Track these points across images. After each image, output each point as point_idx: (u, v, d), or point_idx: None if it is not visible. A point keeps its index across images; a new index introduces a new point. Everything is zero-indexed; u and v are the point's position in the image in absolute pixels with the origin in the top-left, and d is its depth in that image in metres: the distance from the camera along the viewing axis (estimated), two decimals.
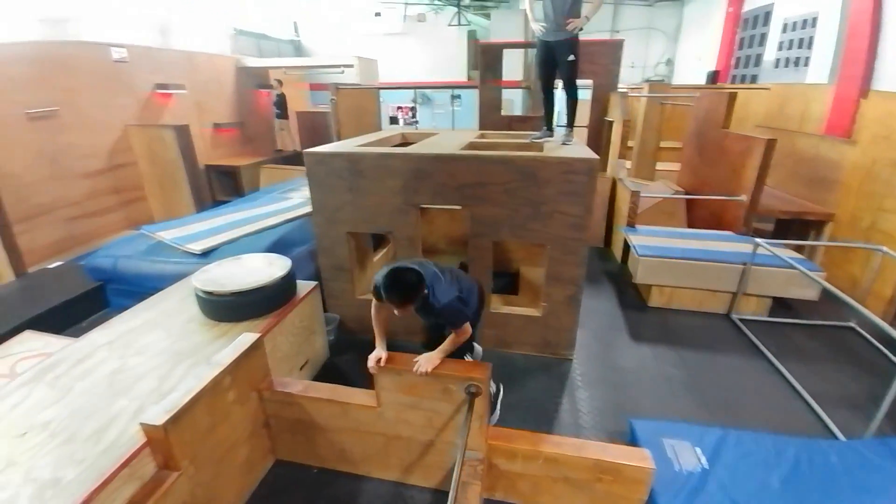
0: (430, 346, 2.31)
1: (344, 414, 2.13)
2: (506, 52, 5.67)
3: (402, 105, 12.08)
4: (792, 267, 3.21)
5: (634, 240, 4.08)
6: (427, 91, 11.93)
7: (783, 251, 3.54)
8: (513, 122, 5.60)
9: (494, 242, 3.04)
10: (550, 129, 3.56)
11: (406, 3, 12.11)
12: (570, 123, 3.41)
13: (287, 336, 2.59)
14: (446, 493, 2.07)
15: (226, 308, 2.45)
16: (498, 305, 3.24)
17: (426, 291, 1.92)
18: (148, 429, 1.62)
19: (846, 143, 4.41)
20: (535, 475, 2.02)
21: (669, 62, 12.19)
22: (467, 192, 2.87)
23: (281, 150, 8.50)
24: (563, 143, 3.30)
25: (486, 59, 5.61)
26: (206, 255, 3.45)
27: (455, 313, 2.01)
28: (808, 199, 4.85)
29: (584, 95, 4.23)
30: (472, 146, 3.39)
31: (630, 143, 5.79)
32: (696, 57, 10.74)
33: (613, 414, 2.68)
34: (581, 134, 4.94)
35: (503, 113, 5.85)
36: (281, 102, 8.36)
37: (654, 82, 7.25)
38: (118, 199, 5.79)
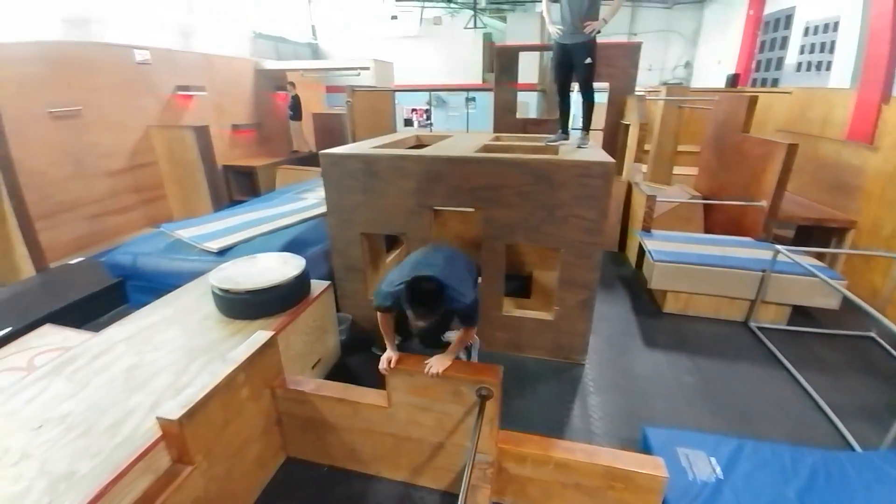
0: (428, 340, 2.35)
1: (355, 413, 2.13)
2: (521, 54, 5.66)
3: (417, 107, 12.14)
4: (813, 275, 3.13)
5: (650, 245, 4.02)
6: (442, 93, 11.98)
7: (804, 258, 3.46)
8: (528, 125, 5.58)
9: (507, 245, 3.03)
10: (566, 131, 3.54)
11: (423, 7, 12.19)
12: (587, 126, 3.39)
13: (300, 335, 2.61)
14: (455, 496, 2.07)
15: (241, 306, 2.48)
16: (510, 308, 3.23)
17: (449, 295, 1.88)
18: (163, 423, 1.65)
19: (868, 149, 4.29)
20: (545, 480, 2.00)
21: (688, 65, 12.02)
22: (481, 194, 2.86)
23: (297, 151, 8.61)
24: (579, 147, 3.28)
25: (501, 61, 5.60)
26: (223, 253, 3.51)
27: (474, 311, 2.00)
28: (829, 206, 4.73)
29: (601, 98, 4.19)
30: (486, 149, 3.39)
31: (646, 147, 5.71)
32: (715, 60, 10.58)
33: (626, 421, 2.64)
34: (596, 137, 4.90)
35: (518, 116, 5.83)
36: (295, 104, 8.48)
37: (672, 85, 7.16)
38: (139, 197, 5.93)
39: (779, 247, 3.42)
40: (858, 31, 5.37)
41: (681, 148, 6.28)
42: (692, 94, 6.67)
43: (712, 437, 2.31)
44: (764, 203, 4.18)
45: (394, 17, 12.63)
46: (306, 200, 4.89)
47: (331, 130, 8.42)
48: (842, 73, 6.00)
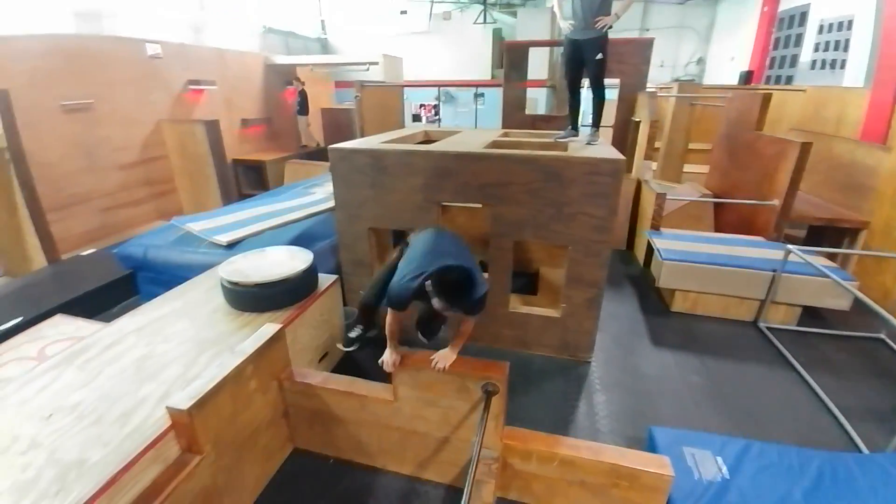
0: (425, 328, 2.42)
1: (361, 407, 2.15)
2: (531, 50, 5.62)
3: (426, 103, 12.13)
4: (824, 276, 3.09)
5: (659, 243, 3.99)
6: (451, 89, 11.94)
7: (816, 259, 3.41)
8: (537, 122, 5.55)
9: (515, 242, 3.02)
10: (576, 128, 3.52)
11: (432, 2, 12.14)
12: (596, 123, 3.36)
13: (308, 328, 2.63)
14: (460, 490, 2.08)
15: (250, 299, 2.50)
16: (517, 305, 3.22)
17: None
18: (174, 413, 1.67)
19: (882, 150, 4.22)
20: (549, 477, 2.00)
21: (701, 62, 11.87)
22: (489, 190, 2.86)
23: (305, 146, 8.64)
24: (589, 143, 3.26)
25: (511, 57, 5.57)
26: (232, 247, 3.54)
27: (484, 302, 1.97)
28: (842, 206, 4.66)
29: (611, 95, 4.15)
30: (495, 145, 3.38)
31: (657, 145, 5.66)
32: (729, 57, 10.43)
33: (631, 420, 2.63)
34: (606, 134, 4.85)
35: (527, 112, 5.80)
36: (302, 99, 8.49)
37: (684, 82, 7.08)
38: (150, 191, 5.99)
39: (791, 247, 3.38)
40: (872, 31, 5.28)
41: (692, 146, 6.22)
42: (704, 91, 6.59)
43: (719, 437, 2.29)
44: (776, 202, 4.13)
45: (403, 13, 12.60)
46: (314, 195, 4.91)
47: (339, 126, 8.45)
48: (856, 72, 5.90)
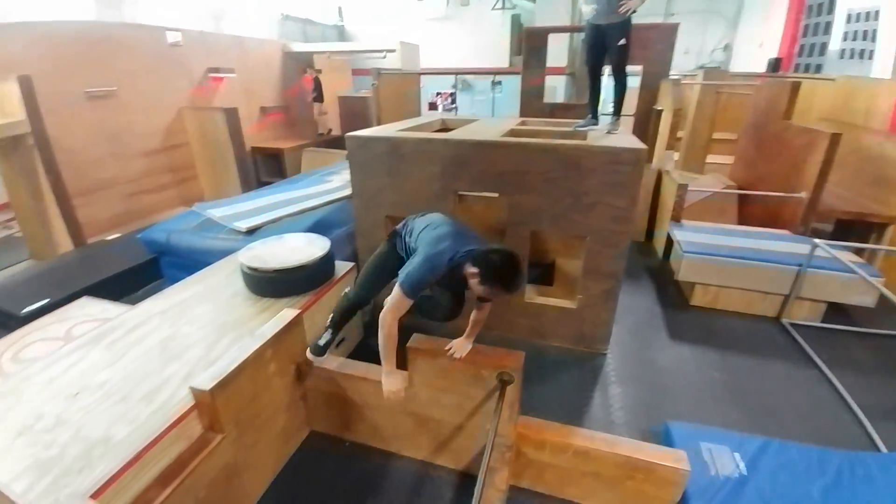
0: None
1: (377, 392, 2.16)
2: (550, 37, 5.50)
3: (442, 91, 12.02)
4: (851, 272, 2.99)
5: (679, 236, 3.91)
6: (468, 77, 11.80)
7: (843, 254, 3.30)
8: (555, 111, 5.45)
9: (532, 232, 3.00)
10: (595, 116, 3.44)
11: None
12: (618, 112, 3.28)
13: (325, 314, 2.65)
14: (472, 476, 2.10)
15: (269, 284, 2.55)
16: (532, 296, 3.21)
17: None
18: (197, 393, 1.72)
19: None
20: (563, 467, 2.00)
21: (728, 48, 11.45)
22: (507, 179, 2.83)
23: (323, 133, 8.66)
24: (609, 132, 3.19)
25: (530, 44, 5.47)
26: (251, 233, 3.59)
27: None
28: (871, 200, 4.48)
29: (633, 83, 4.04)
30: (513, 133, 3.34)
31: (679, 134, 5.51)
32: (757, 43, 10.04)
33: (647, 413, 2.61)
34: (627, 123, 4.75)
35: (545, 100, 5.71)
36: (317, 86, 8.47)
37: (709, 69, 6.85)
38: (172, 177, 6.11)
39: (818, 241, 3.28)
40: None
41: (716, 135, 6.03)
42: (731, 79, 6.37)
43: (738, 435, 2.26)
44: (804, 195, 3.99)
45: None
46: (331, 183, 4.94)
47: (356, 114, 8.44)
48: (884, 63, 5.65)
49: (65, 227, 4.49)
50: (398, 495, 2.11)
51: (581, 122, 3.47)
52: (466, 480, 2.16)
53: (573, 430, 2.04)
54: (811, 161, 3.92)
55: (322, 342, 2.26)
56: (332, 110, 9.01)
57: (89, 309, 2.86)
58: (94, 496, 1.37)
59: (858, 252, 3.73)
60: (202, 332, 2.25)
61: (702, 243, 3.75)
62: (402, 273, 1.88)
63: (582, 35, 3.70)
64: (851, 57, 6.56)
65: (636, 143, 2.77)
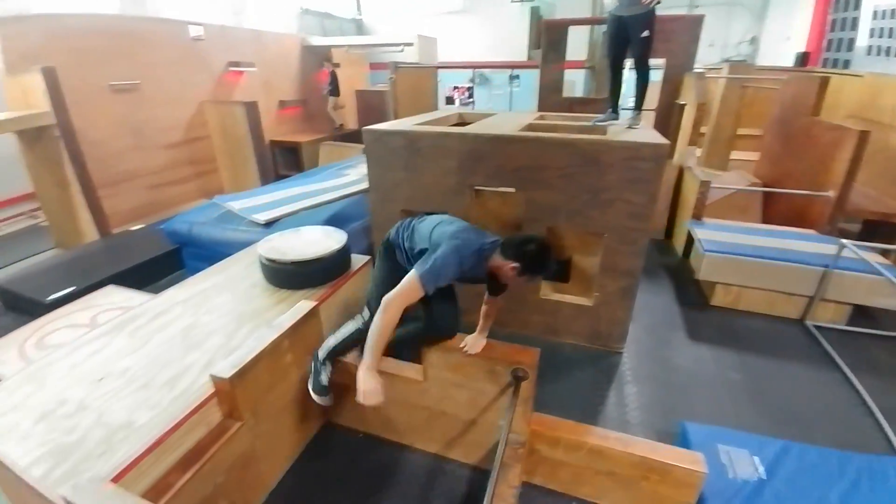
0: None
1: (391, 385, 2.17)
2: (570, 29, 5.41)
3: (459, 85, 11.95)
4: (879, 273, 2.89)
5: (700, 234, 3.82)
6: (485, 71, 11.70)
7: (870, 255, 3.19)
8: (574, 105, 5.38)
9: (548, 228, 2.97)
10: (616, 111, 3.38)
11: None
12: (639, 106, 3.22)
13: (340, 306, 2.69)
14: (484, 471, 2.11)
15: (286, 276, 2.58)
16: (547, 292, 3.18)
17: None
18: (217, 380, 1.75)
19: None
20: (577, 465, 1.99)
21: (754, 41, 11.09)
22: (524, 175, 2.80)
23: (339, 127, 8.70)
24: (630, 127, 3.13)
25: (549, 36, 5.39)
26: (270, 225, 3.64)
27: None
28: None
29: (654, 76, 3.95)
30: (530, 128, 3.30)
31: (702, 129, 5.37)
32: (784, 37, 9.71)
33: (663, 413, 2.57)
34: (648, 118, 4.65)
35: (564, 95, 5.63)
36: (333, 79, 8.50)
37: (735, 63, 6.65)
38: (193, 170, 6.23)
39: (845, 241, 3.17)
40: None
41: (741, 131, 5.87)
42: (758, 73, 6.18)
43: (757, 438, 2.21)
44: (831, 194, 3.86)
45: None
46: (348, 177, 4.97)
47: (373, 108, 8.45)
48: None
49: (90, 217, 4.62)
50: (411, 487, 2.13)
51: (601, 116, 3.41)
52: (478, 475, 2.16)
53: (588, 429, 2.02)
54: (839, 159, 3.79)
55: (324, 380, 2.16)
56: (349, 104, 9.05)
57: (114, 297, 2.94)
58: (115, 480, 1.40)
59: (884, 253, 3.60)
60: (222, 321, 2.29)
61: (724, 241, 3.66)
62: (422, 262, 1.78)
63: (603, 27, 3.63)
64: (878, 54, 6.33)
65: (658, 138, 2.71)
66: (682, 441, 2.19)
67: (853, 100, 5.49)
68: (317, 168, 6.25)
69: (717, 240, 3.70)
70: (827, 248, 3.43)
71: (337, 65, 8.55)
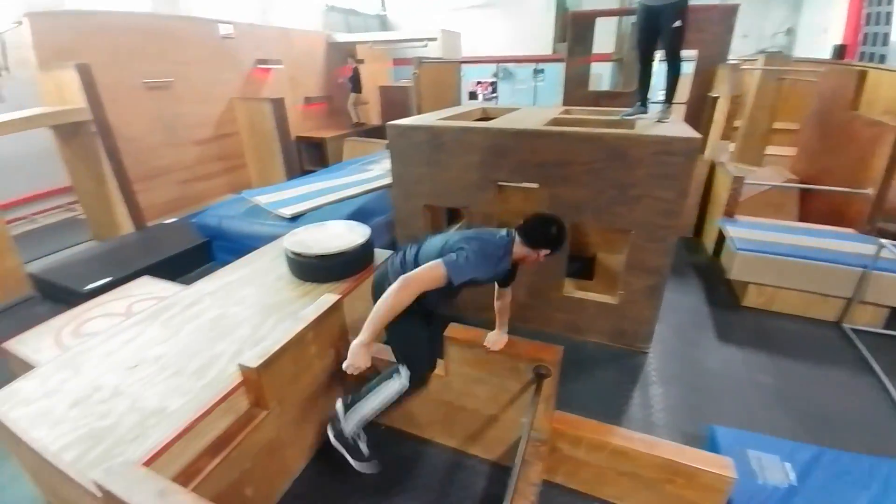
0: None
1: None
2: (597, 21, 5.28)
3: (482, 80, 11.85)
4: None
5: (733, 232, 3.69)
6: (508, 66, 11.56)
7: None
8: (600, 99, 5.26)
9: (573, 225, 2.92)
10: (645, 104, 3.28)
11: None
12: (670, 99, 3.12)
13: (363, 300, 2.71)
14: (504, 467, 2.11)
15: (311, 269, 2.63)
16: (571, 290, 3.14)
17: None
18: (244, 370, 1.80)
19: None
20: (599, 465, 1.96)
21: (790, 32, 10.59)
22: (548, 170, 2.76)
23: (357, 123, 8.73)
24: (659, 121, 3.04)
25: (576, 29, 5.28)
26: (295, 219, 3.72)
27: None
28: None
29: (686, 68, 3.82)
30: (555, 122, 3.25)
31: (736, 123, 5.17)
32: (821, 28, 9.24)
33: (690, 416, 2.50)
34: (678, 111, 4.51)
35: (590, 88, 5.51)
36: (355, 76, 8.54)
37: (771, 54, 6.36)
38: (223, 165, 6.39)
39: (885, 241, 3.01)
40: None
41: (777, 125, 5.61)
42: (795, 65, 5.89)
43: (788, 442, 2.13)
44: (870, 191, 3.67)
45: None
46: (371, 172, 5.01)
47: (396, 103, 8.48)
48: None
49: (126, 210, 4.80)
50: (430, 480, 2.15)
51: (629, 110, 3.32)
52: (498, 471, 2.16)
53: (611, 429, 1.99)
54: (878, 155, 3.60)
55: (365, 449, 2.01)
56: (372, 100, 9.09)
57: (148, 287, 3.04)
58: (146, 464, 1.44)
59: None
60: (249, 312, 2.35)
61: (757, 240, 3.53)
62: (451, 254, 1.74)
63: (632, 18, 3.53)
64: None
65: (689, 132, 2.62)
66: (711, 445, 2.14)
67: (891, 96, 5.18)
68: (341, 163, 6.33)
69: (751, 238, 3.56)
70: (865, 247, 3.28)
71: (361, 61, 8.60)
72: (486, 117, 4.02)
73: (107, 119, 4.51)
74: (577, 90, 5.38)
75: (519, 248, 1.83)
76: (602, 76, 9.26)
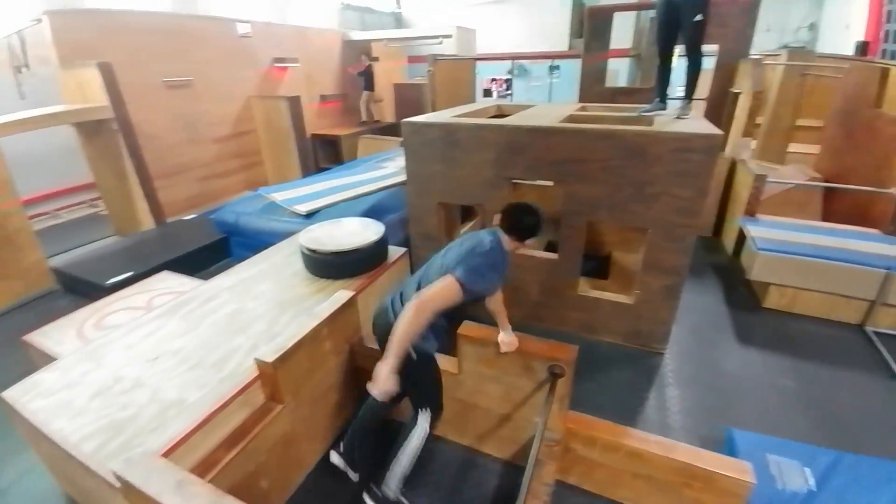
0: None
1: None
2: (615, 16, 5.19)
3: (497, 77, 11.79)
4: None
5: (754, 232, 3.61)
6: (523, 62, 11.47)
7: None
8: (617, 95, 5.18)
9: (588, 223, 2.89)
10: (664, 100, 3.22)
11: None
12: (690, 94, 3.05)
13: (377, 297, 2.73)
14: (517, 467, 2.10)
15: (326, 266, 2.65)
16: (586, 289, 3.10)
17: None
18: (261, 364, 1.83)
19: None
20: (614, 467, 1.94)
21: (813, 27, 10.28)
22: (564, 167, 2.73)
23: (364, 122, 8.73)
24: (678, 118, 2.98)
25: (593, 24, 5.20)
26: (310, 216, 3.75)
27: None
28: None
29: (707, 63, 3.73)
30: (571, 119, 3.21)
31: (758, 120, 5.04)
32: (844, 24, 8.94)
33: (707, 419, 2.46)
34: (698, 108, 4.42)
35: (607, 85, 5.43)
36: (368, 75, 8.54)
37: (794, 49, 6.18)
38: (240, 162, 6.49)
39: None
40: None
41: (800, 122, 5.47)
42: (819, 61, 5.72)
43: (808, 447, 2.08)
44: (894, 191, 3.55)
45: None
46: (385, 169, 5.03)
47: (410, 101, 8.48)
48: None
49: (147, 206, 4.91)
50: (443, 477, 2.15)
51: (647, 106, 3.26)
52: (510, 470, 2.15)
53: (626, 430, 1.96)
54: None
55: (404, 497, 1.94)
56: (387, 98, 9.11)
57: (168, 282, 3.11)
58: (165, 454, 1.48)
59: None
60: (265, 307, 2.39)
61: (780, 240, 3.44)
62: (458, 266, 1.67)
63: (650, 13, 3.46)
64: None
65: (710, 128, 2.57)
66: (729, 449, 2.10)
67: None
68: (355, 160, 6.36)
69: (773, 238, 3.48)
70: (890, 248, 3.19)
71: (375, 59, 8.61)
72: (500, 114, 3.99)
73: (128, 117, 4.61)
74: (593, 86, 5.31)
75: (508, 244, 1.84)
76: (619, 72, 9.11)
